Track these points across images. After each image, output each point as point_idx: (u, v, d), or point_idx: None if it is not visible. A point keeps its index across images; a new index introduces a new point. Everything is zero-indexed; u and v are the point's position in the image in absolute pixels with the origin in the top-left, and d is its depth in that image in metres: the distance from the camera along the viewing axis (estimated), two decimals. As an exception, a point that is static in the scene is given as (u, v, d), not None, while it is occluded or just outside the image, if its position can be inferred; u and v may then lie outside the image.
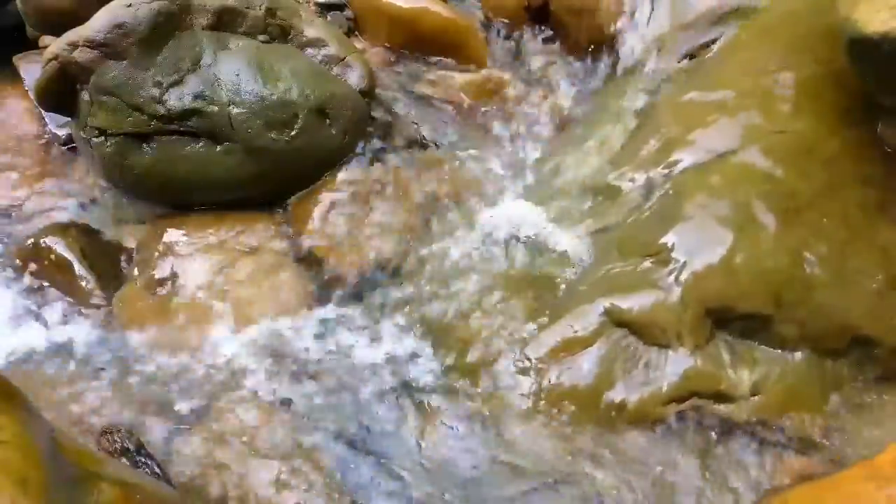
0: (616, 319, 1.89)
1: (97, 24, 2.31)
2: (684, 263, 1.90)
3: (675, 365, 1.83)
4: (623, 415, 1.81)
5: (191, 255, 2.30)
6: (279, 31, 2.52)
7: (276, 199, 2.45)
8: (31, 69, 2.81)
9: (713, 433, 1.78)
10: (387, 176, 2.47)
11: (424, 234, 2.34)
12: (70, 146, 2.68)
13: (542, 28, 2.94)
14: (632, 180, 2.18)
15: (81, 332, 2.14)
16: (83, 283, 2.22)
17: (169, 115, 2.31)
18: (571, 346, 1.89)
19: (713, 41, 2.42)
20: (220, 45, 2.40)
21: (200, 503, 1.72)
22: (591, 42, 2.75)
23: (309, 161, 2.43)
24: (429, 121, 2.67)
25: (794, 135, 2.03)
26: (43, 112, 2.72)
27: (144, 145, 2.35)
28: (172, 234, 2.35)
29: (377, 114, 2.61)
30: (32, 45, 3.01)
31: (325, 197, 2.40)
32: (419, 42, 2.85)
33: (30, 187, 2.58)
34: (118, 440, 1.77)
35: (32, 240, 2.29)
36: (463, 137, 2.65)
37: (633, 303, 1.89)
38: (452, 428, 1.84)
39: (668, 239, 1.95)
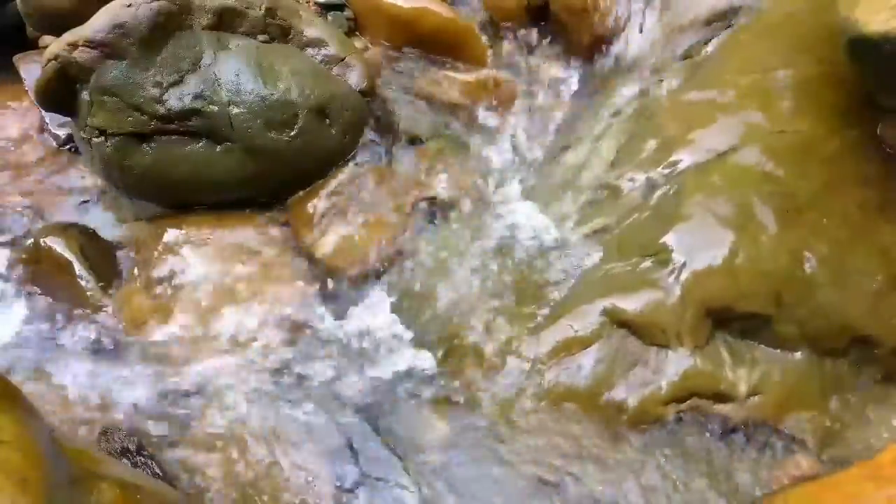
0: (616, 319, 1.89)
1: (97, 24, 2.31)
2: (684, 263, 1.90)
3: (675, 365, 1.83)
4: (623, 415, 1.81)
5: (190, 255, 2.30)
6: (279, 31, 2.52)
7: (276, 199, 2.46)
8: (31, 69, 2.81)
9: (713, 433, 1.78)
10: (386, 176, 2.47)
11: (424, 234, 2.34)
12: (70, 146, 2.69)
13: (543, 28, 2.94)
14: (632, 180, 2.18)
15: (81, 332, 2.14)
16: (83, 283, 2.22)
17: (169, 115, 2.31)
18: (571, 346, 1.89)
19: (713, 40, 2.42)
20: (220, 45, 2.40)
21: (199, 503, 1.72)
22: (591, 42, 2.74)
23: (309, 161, 2.43)
24: (429, 121, 2.67)
25: (793, 135, 2.03)
26: (43, 112, 2.72)
27: (144, 145, 2.35)
28: (172, 234, 2.36)
29: (377, 113, 2.61)
30: (32, 45, 3.01)
31: (325, 197, 2.41)
32: (419, 42, 2.85)
33: (30, 187, 2.58)
34: (118, 440, 1.77)
35: (32, 240, 2.29)
36: (463, 137, 2.65)
37: (633, 303, 1.89)
38: (451, 428, 1.84)
39: (668, 239, 1.95)
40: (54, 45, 2.35)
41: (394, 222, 2.36)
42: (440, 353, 2.02)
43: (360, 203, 2.40)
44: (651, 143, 2.21)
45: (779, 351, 1.86)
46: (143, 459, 1.73)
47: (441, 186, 2.47)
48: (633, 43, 2.60)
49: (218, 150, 2.35)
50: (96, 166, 2.49)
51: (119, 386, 2.00)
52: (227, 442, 1.85)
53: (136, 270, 2.31)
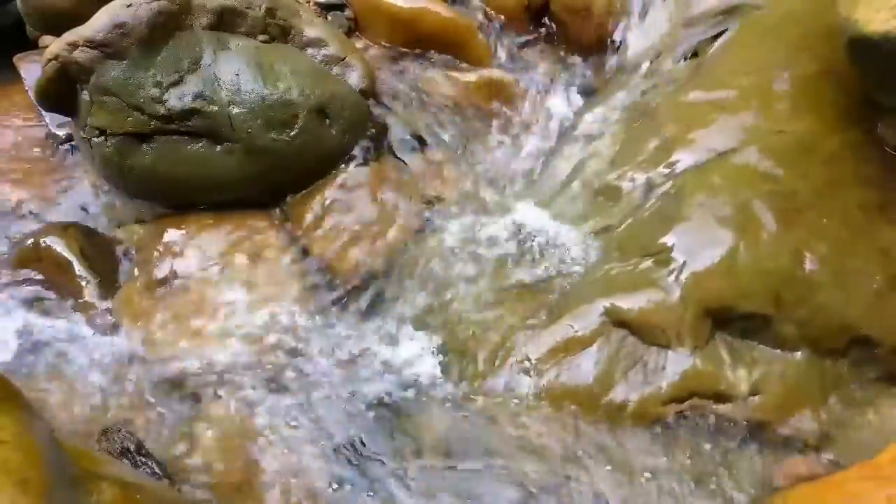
0: (616, 319, 1.89)
1: (97, 24, 2.31)
2: (684, 263, 1.90)
3: (675, 365, 1.83)
4: (623, 415, 1.81)
5: (191, 255, 2.29)
6: (279, 31, 2.52)
7: (276, 199, 2.45)
8: (31, 69, 2.80)
9: (713, 433, 1.78)
10: (386, 176, 2.47)
11: (424, 234, 2.34)
12: (70, 146, 2.69)
13: (543, 27, 2.94)
14: (632, 180, 2.18)
15: (81, 332, 2.14)
16: (83, 283, 2.21)
17: (169, 115, 2.31)
18: (571, 346, 1.89)
19: (713, 40, 2.42)
20: (220, 45, 2.40)
21: (199, 502, 1.72)
22: (591, 41, 2.75)
23: (309, 161, 2.43)
24: (429, 120, 2.67)
25: (793, 135, 2.03)
26: (43, 112, 2.72)
27: (144, 145, 2.35)
28: (172, 234, 2.36)
29: (377, 114, 2.61)
30: (32, 45, 3.01)
31: (325, 197, 2.40)
32: (419, 42, 2.85)
33: (30, 187, 2.58)
34: (118, 440, 1.77)
35: (32, 240, 2.29)
36: (463, 137, 2.65)
37: (633, 303, 1.90)
38: (451, 429, 1.84)
39: (668, 239, 1.95)
40: (54, 45, 2.35)
41: (393, 223, 2.36)
42: (439, 354, 2.02)
43: (359, 203, 2.39)
44: (651, 143, 2.21)
45: (779, 351, 1.87)
46: (143, 459, 1.73)
47: (441, 186, 2.47)
48: (633, 43, 2.60)
49: (218, 150, 2.35)
50: (96, 166, 2.49)
51: (119, 385, 2.00)
52: (226, 440, 1.85)
53: (136, 270, 2.31)
